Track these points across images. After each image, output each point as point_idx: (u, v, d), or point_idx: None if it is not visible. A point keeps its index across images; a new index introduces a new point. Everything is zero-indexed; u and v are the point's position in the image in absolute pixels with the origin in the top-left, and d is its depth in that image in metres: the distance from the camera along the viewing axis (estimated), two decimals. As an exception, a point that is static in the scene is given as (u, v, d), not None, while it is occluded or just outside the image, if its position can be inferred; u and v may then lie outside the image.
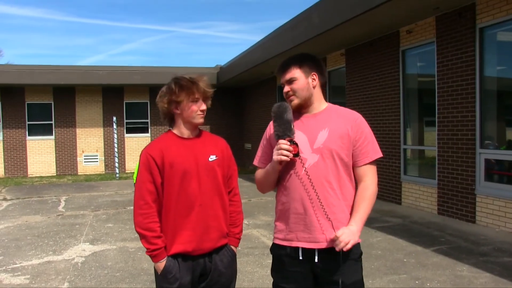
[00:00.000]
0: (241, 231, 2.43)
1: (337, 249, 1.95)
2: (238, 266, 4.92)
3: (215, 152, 2.31)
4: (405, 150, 8.49)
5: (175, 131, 2.31)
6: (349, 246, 1.95)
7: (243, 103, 18.11)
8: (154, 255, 2.18)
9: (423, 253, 5.25)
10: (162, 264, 2.19)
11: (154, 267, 2.25)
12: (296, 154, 2.02)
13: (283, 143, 2.00)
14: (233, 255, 2.37)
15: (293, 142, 2.01)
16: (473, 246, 5.49)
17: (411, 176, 8.32)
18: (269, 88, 14.87)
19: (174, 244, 2.20)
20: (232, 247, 2.37)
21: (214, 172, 2.27)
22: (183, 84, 2.22)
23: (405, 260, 5.01)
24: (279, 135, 2.03)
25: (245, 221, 7.42)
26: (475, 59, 6.61)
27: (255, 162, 2.31)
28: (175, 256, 2.21)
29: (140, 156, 2.27)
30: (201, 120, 2.28)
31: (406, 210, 7.97)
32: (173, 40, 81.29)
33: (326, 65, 11.11)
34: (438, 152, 7.43)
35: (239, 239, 2.41)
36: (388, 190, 8.81)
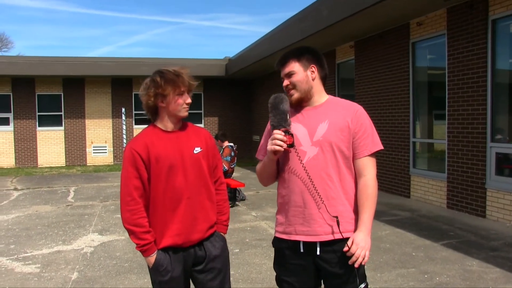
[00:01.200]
0: (228, 218, 2.47)
1: (350, 262, 1.99)
2: (246, 258, 4.96)
3: (199, 144, 2.31)
4: (414, 143, 8.42)
5: (159, 124, 2.28)
6: (366, 259, 2.00)
7: (252, 95, 18.06)
8: (144, 250, 2.19)
9: (432, 247, 5.22)
10: (152, 258, 2.21)
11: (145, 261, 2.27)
12: (291, 145, 2.00)
13: (277, 133, 1.99)
14: (224, 241, 2.42)
15: (288, 133, 2.00)
16: (483, 240, 5.45)
17: (420, 170, 8.26)
18: (277, 80, 14.76)
19: (163, 238, 2.21)
20: (221, 234, 2.41)
21: (199, 164, 2.28)
22: (168, 77, 2.19)
23: (413, 253, 4.99)
24: (274, 126, 2.02)
25: (253, 213, 7.44)
26: (487, 52, 6.51)
27: (257, 154, 2.33)
28: (165, 249, 2.22)
29: (124, 152, 2.24)
30: (186, 113, 2.26)
31: (415, 203, 7.93)
32: (182, 31, 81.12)
33: (335, 58, 11.03)
34: (448, 146, 7.37)
35: (227, 225, 2.46)
36: (397, 183, 8.77)
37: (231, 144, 8.49)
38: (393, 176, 8.86)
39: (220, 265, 2.34)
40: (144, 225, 2.18)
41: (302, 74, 2.12)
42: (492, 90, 6.52)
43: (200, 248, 2.29)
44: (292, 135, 2.00)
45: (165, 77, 2.19)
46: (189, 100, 2.25)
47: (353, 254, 1.99)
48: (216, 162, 2.41)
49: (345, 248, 2.01)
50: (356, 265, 1.99)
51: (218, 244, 2.35)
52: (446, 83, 7.34)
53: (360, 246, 1.99)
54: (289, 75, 2.14)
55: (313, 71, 2.14)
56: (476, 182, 6.77)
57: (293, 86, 2.13)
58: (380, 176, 9.15)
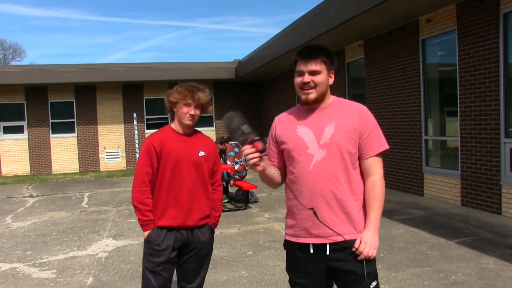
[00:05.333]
0: (220, 215, 2.93)
1: (358, 259, 2.04)
2: (260, 260, 4.98)
3: (204, 150, 2.77)
4: (426, 141, 8.35)
5: (173, 126, 2.78)
6: (374, 254, 2.05)
7: (262, 97, 18.07)
8: (145, 224, 2.69)
9: (446, 245, 5.17)
10: (148, 232, 2.69)
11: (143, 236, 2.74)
12: (263, 150, 1.99)
13: (245, 149, 1.97)
14: (212, 232, 2.87)
15: (253, 142, 1.97)
16: (500, 238, 5.38)
17: (433, 167, 8.18)
18: (287, 82, 14.79)
19: (162, 219, 2.68)
20: (212, 226, 2.86)
21: (201, 165, 2.74)
22: (180, 88, 2.66)
23: (428, 252, 4.94)
24: (241, 143, 2.02)
25: (265, 215, 7.44)
26: (499, 46, 6.43)
27: None
28: (162, 228, 2.69)
29: (142, 144, 2.74)
30: (189, 122, 2.69)
31: (428, 201, 7.85)
32: (193, 35, 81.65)
33: (345, 57, 10.99)
34: (460, 143, 7.29)
35: (218, 220, 2.91)
36: (410, 181, 8.69)
37: (236, 142, 8.64)
38: (406, 174, 8.79)
39: (203, 252, 2.79)
40: (148, 204, 2.68)
41: (325, 76, 2.07)
42: (504, 85, 6.43)
43: (192, 233, 2.73)
44: (258, 140, 1.98)
45: (179, 88, 2.67)
46: (193, 112, 2.66)
47: (361, 253, 2.02)
48: (216, 168, 2.87)
49: (353, 249, 2.04)
50: (359, 259, 2.03)
51: (207, 234, 2.80)
52: (458, 79, 7.27)
53: (368, 244, 2.03)
54: (315, 73, 2.05)
55: (331, 76, 2.12)
56: (491, 179, 6.68)
57: (315, 85, 2.06)
58: (393, 175, 9.08)
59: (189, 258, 2.76)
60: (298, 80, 2.09)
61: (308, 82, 2.05)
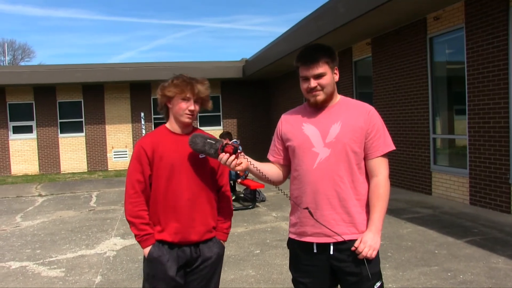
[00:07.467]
0: (230, 226, 2.49)
1: (358, 257, 2.02)
2: (267, 259, 4.97)
3: None
4: (434, 139, 8.30)
5: (168, 125, 2.40)
6: (374, 255, 2.02)
7: (270, 95, 18.05)
8: (143, 240, 2.29)
9: (455, 244, 5.13)
10: (149, 249, 2.31)
11: (143, 253, 2.36)
12: (235, 151, 2.05)
13: (220, 158, 2.05)
14: (221, 247, 2.45)
15: (222, 149, 2.05)
16: (509, 237, 5.33)
17: (442, 166, 8.13)
18: (295, 80, 14.76)
19: (162, 233, 2.30)
20: (221, 241, 2.45)
21: (203, 168, 2.34)
22: (177, 81, 2.28)
23: (436, 251, 4.91)
24: (215, 154, 2.08)
25: (273, 214, 7.43)
26: (508, 44, 6.37)
27: (268, 155, 2.33)
28: (162, 244, 2.31)
29: (133, 148, 2.35)
30: (188, 120, 2.32)
31: (436, 200, 7.80)
32: (202, 34, 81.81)
33: (352, 55, 10.95)
34: (469, 141, 7.24)
35: (227, 233, 2.48)
36: (418, 180, 8.64)
37: (234, 140, 8.85)
38: (414, 173, 8.74)
39: (209, 269, 2.38)
40: (144, 217, 2.29)
41: (330, 76, 2.06)
42: (513, 83, 6.37)
43: (196, 250, 2.35)
44: (226, 144, 2.04)
45: (175, 80, 2.29)
46: (192, 108, 2.29)
47: (360, 253, 2.00)
48: (222, 170, 2.44)
49: (353, 248, 2.02)
50: (359, 257, 2.01)
51: (215, 249, 2.40)
52: (466, 77, 7.21)
53: (368, 244, 2.00)
54: (319, 76, 2.04)
55: (336, 73, 2.11)
56: (500, 178, 6.62)
57: (322, 87, 2.05)
58: (400, 173, 9.04)
59: (193, 279, 2.36)
60: (304, 85, 2.10)
61: (315, 87, 2.05)
